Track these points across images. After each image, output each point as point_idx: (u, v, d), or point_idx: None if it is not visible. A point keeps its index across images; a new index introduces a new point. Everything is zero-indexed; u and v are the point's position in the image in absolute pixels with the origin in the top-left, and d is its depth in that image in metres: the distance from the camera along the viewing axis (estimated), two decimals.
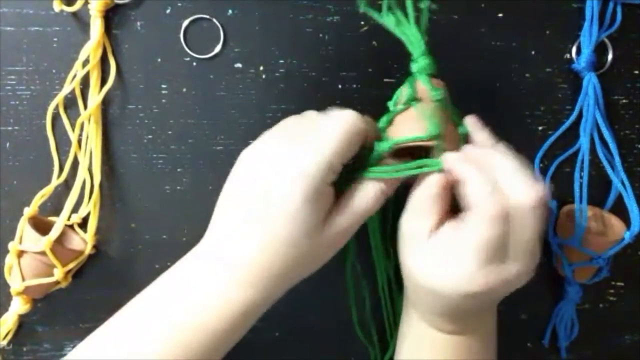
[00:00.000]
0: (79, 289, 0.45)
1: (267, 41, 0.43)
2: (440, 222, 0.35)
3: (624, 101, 0.46)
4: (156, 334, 0.33)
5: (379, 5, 0.37)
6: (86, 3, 0.41)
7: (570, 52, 0.45)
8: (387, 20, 0.37)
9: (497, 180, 0.33)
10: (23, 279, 0.42)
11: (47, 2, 0.41)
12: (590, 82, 0.44)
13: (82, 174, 0.43)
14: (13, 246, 0.42)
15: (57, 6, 0.41)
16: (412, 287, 0.37)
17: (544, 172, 0.46)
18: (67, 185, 0.44)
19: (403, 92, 0.38)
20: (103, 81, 0.43)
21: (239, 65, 0.43)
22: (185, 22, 0.43)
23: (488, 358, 0.40)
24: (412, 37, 0.37)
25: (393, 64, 0.44)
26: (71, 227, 0.44)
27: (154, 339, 0.33)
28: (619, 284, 0.48)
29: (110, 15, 0.42)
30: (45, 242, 0.41)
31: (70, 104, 0.43)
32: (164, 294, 0.35)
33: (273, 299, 0.35)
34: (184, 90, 0.43)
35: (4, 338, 0.44)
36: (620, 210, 0.45)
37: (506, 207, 0.32)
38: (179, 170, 0.44)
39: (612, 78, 0.45)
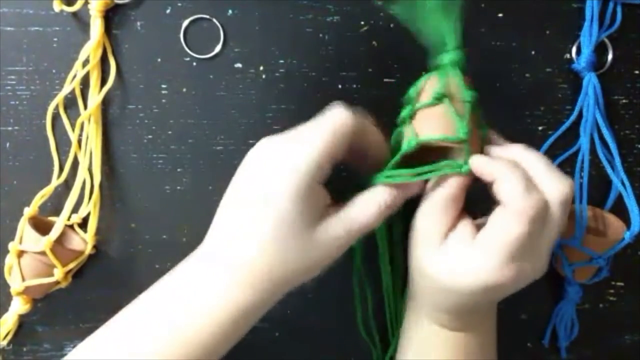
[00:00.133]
0: (79, 289, 0.45)
1: (267, 41, 0.43)
2: (457, 221, 0.35)
3: (624, 101, 0.46)
4: (157, 335, 0.33)
5: None
6: (86, 3, 0.41)
7: (570, 52, 0.45)
8: (418, 8, 0.35)
9: (529, 177, 0.34)
10: (23, 279, 0.42)
11: (47, 2, 0.41)
12: (590, 82, 0.44)
13: (82, 174, 0.43)
14: (13, 246, 0.42)
15: (57, 6, 0.41)
16: (424, 285, 0.37)
17: None
18: (67, 185, 0.44)
19: (429, 84, 0.36)
20: (103, 81, 0.43)
21: (239, 65, 0.43)
22: (185, 22, 0.43)
23: (490, 356, 0.41)
24: (446, 26, 0.35)
25: (393, 64, 0.44)
26: (71, 227, 0.44)
27: (154, 339, 0.33)
28: (619, 284, 0.48)
29: (110, 15, 0.42)
30: (45, 242, 0.41)
31: (70, 104, 0.43)
32: (165, 294, 0.35)
33: (273, 300, 0.35)
34: (184, 90, 0.43)
35: (4, 338, 0.44)
36: (620, 210, 0.45)
37: (542, 203, 0.33)
38: (179, 170, 0.44)
39: (612, 78, 0.46)
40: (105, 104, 0.43)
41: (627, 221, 0.45)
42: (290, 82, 0.44)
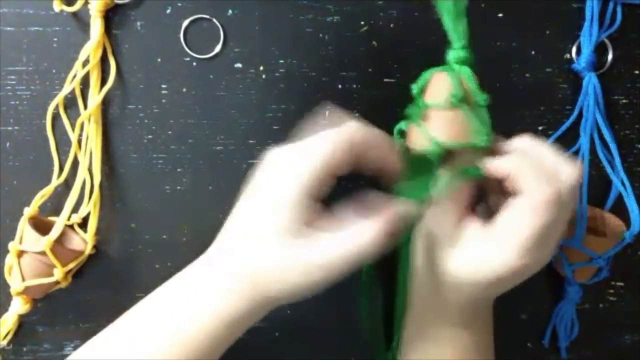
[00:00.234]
0: (79, 289, 0.45)
1: (267, 41, 0.43)
2: (466, 217, 0.36)
3: (624, 101, 0.46)
4: (157, 336, 0.34)
5: None
6: (86, 3, 0.41)
7: (570, 52, 0.45)
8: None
9: (544, 165, 0.34)
10: (23, 279, 0.42)
11: (47, 2, 0.41)
12: (590, 82, 0.44)
13: (82, 174, 0.43)
14: (13, 246, 0.42)
15: (57, 6, 0.41)
16: (436, 284, 0.38)
17: None
18: (67, 185, 0.44)
19: (437, 81, 0.36)
20: (103, 81, 0.43)
21: (239, 65, 0.43)
22: (185, 22, 0.43)
23: (491, 355, 0.41)
24: (452, 23, 0.35)
25: (393, 64, 0.44)
26: (71, 227, 0.44)
27: (154, 340, 0.34)
28: (619, 284, 0.48)
29: (110, 15, 0.42)
30: (45, 242, 0.41)
31: (70, 104, 0.43)
32: (167, 296, 0.35)
33: (266, 309, 0.35)
34: (184, 90, 0.43)
35: (4, 338, 0.44)
36: (620, 210, 0.45)
37: (560, 190, 0.33)
38: (179, 170, 0.44)
39: (612, 78, 0.46)
40: (105, 104, 0.43)
41: (627, 221, 0.45)
42: (290, 82, 0.44)
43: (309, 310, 0.46)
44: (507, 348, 0.42)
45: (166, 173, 0.44)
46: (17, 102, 0.43)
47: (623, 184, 0.45)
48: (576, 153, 0.45)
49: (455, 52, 0.35)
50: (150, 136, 0.44)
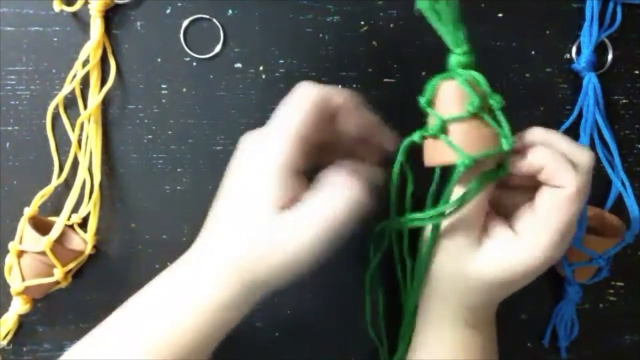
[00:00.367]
0: (79, 289, 0.45)
1: (267, 41, 0.43)
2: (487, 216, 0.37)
3: (624, 101, 0.46)
4: (152, 329, 0.34)
5: None
6: (86, 3, 0.41)
7: (570, 52, 0.45)
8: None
9: (565, 154, 0.35)
10: (23, 279, 0.42)
11: (47, 2, 0.41)
12: (590, 82, 0.44)
13: (82, 174, 0.43)
14: (13, 246, 0.42)
15: (57, 6, 0.41)
16: (457, 286, 0.38)
17: None
18: (67, 185, 0.44)
19: (448, 90, 0.34)
20: (103, 81, 0.43)
21: (239, 65, 0.43)
22: (185, 22, 0.43)
23: (495, 357, 0.41)
24: (449, 27, 0.33)
25: (393, 64, 0.44)
26: (71, 227, 0.44)
27: (148, 333, 0.34)
28: (619, 284, 0.48)
29: (110, 15, 0.42)
30: (45, 242, 0.41)
31: (70, 104, 0.43)
32: (159, 290, 0.36)
33: (257, 295, 0.35)
34: (184, 90, 0.43)
35: (4, 338, 0.44)
36: (620, 210, 0.45)
37: (587, 177, 0.35)
38: (179, 170, 0.44)
39: (612, 78, 0.46)
40: (105, 104, 0.43)
41: (627, 221, 0.45)
42: (290, 82, 0.43)
43: (309, 310, 0.46)
44: (507, 348, 0.42)
45: (166, 173, 0.44)
46: (17, 102, 0.43)
47: (623, 184, 0.45)
48: None
49: (457, 57, 0.34)
50: (150, 136, 0.44)
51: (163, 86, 0.43)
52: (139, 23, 0.43)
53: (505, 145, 0.34)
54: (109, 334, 0.35)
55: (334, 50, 0.44)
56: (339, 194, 0.33)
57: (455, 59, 0.34)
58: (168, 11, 0.43)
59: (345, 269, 0.45)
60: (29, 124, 0.43)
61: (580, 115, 0.45)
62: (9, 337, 0.44)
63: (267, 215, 0.32)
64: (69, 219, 0.43)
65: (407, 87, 0.44)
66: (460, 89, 0.34)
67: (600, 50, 0.45)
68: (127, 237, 0.45)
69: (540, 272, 0.36)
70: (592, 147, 0.45)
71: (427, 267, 0.39)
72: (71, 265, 0.43)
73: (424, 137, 0.35)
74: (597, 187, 0.46)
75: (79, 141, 0.43)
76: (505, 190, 0.38)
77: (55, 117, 0.43)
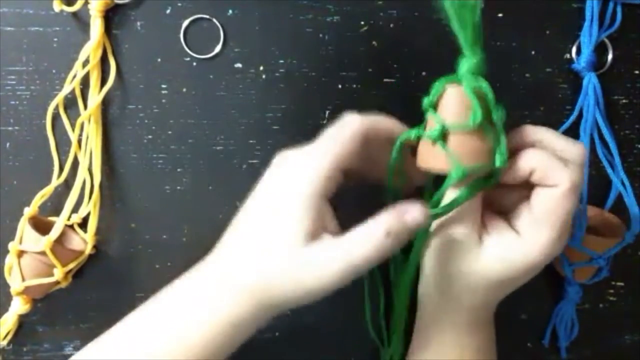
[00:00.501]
0: (79, 289, 0.45)
1: (267, 41, 0.43)
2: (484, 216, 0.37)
3: (624, 101, 0.46)
4: (161, 341, 0.34)
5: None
6: (86, 3, 0.41)
7: (570, 52, 0.45)
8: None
9: (556, 151, 0.35)
10: (23, 279, 0.42)
11: (47, 2, 0.41)
12: (590, 82, 0.44)
13: (82, 174, 0.43)
14: (13, 246, 0.42)
15: (57, 6, 0.41)
16: (460, 286, 0.38)
17: None
18: (67, 185, 0.44)
19: (452, 96, 0.34)
20: (103, 81, 0.43)
21: (239, 65, 0.43)
22: (185, 22, 0.43)
23: (494, 357, 0.41)
24: (464, 31, 0.32)
25: (393, 64, 0.44)
26: (71, 227, 0.44)
27: (157, 345, 0.34)
28: (619, 284, 0.48)
29: (110, 15, 0.42)
30: (45, 242, 0.41)
31: (70, 104, 0.43)
32: (172, 301, 0.35)
33: (269, 315, 0.35)
34: (184, 90, 0.43)
35: (4, 338, 0.44)
36: (620, 210, 0.45)
37: (580, 172, 0.35)
38: (179, 170, 0.44)
39: (612, 78, 0.46)
40: (105, 104, 0.43)
41: (627, 221, 0.45)
42: (290, 82, 0.44)
43: (309, 310, 0.46)
44: (507, 348, 0.42)
45: (166, 173, 0.44)
46: (17, 102, 0.43)
47: (623, 184, 0.45)
48: None
49: (469, 62, 0.33)
50: (150, 136, 0.44)
51: (163, 86, 0.43)
52: (139, 23, 0.43)
53: (499, 163, 0.34)
54: (115, 343, 0.35)
55: (334, 50, 0.44)
56: (369, 242, 0.31)
57: (467, 63, 0.34)
58: (168, 11, 0.43)
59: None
60: (29, 124, 0.43)
61: (580, 115, 0.45)
62: (9, 337, 0.44)
63: (293, 248, 0.32)
64: (69, 219, 0.43)
65: (407, 87, 0.44)
66: (466, 97, 0.33)
67: (600, 50, 0.45)
68: (127, 237, 0.45)
69: (540, 269, 0.36)
70: (592, 147, 0.45)
71: (421, 266, 0.39)
72: (71, 265, 0.43)
73: (420, 138, 0.35)
74: (597, 187, 0.46)
75: (79, 141, 0.43)
76: (503, 189, 0.38)
77: (55, 117, 0.43)
